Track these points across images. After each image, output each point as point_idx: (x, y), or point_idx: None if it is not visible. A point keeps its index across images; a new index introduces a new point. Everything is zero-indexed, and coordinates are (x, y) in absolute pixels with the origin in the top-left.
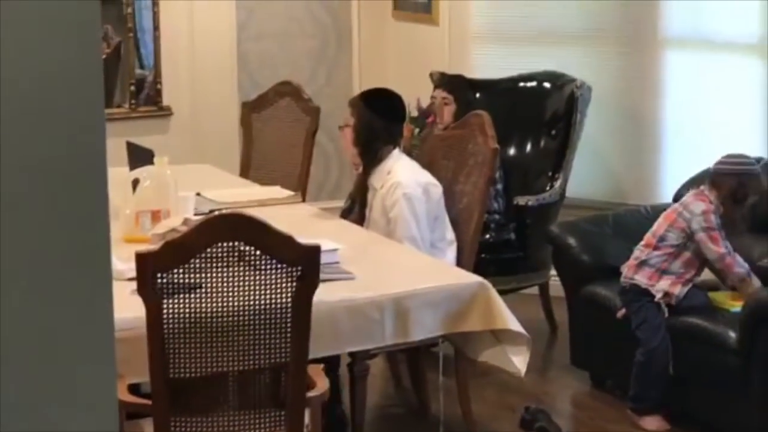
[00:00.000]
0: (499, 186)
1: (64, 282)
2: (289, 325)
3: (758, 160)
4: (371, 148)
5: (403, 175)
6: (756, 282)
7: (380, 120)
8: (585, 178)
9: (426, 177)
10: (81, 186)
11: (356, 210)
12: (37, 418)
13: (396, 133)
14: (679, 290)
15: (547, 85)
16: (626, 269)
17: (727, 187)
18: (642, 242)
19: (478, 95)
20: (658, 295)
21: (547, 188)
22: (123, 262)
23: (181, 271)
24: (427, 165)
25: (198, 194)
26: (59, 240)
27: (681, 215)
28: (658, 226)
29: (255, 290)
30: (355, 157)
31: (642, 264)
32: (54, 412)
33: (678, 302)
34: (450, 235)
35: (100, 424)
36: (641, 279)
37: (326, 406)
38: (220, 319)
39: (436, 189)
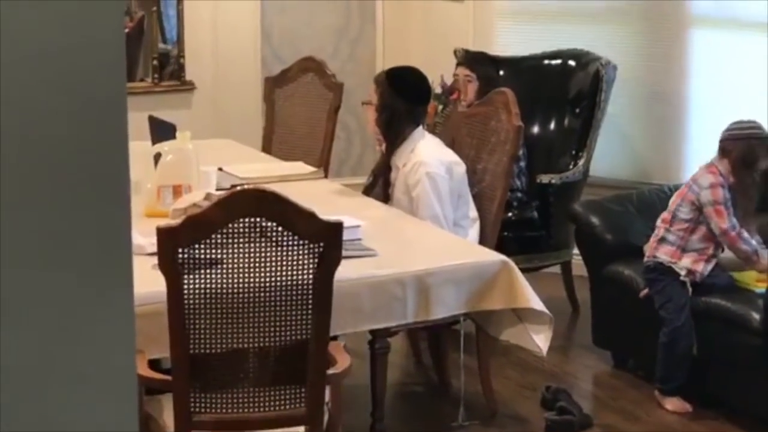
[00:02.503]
0: (522, 164)
1: (85, 257)
2: (310, 301)
3: None
4: (393, 130)
5: (426, 154)
6: (766, 259)
7: (404, 102)
8: (609, 157)
9: (449, 155)
10: (102, 160)
11: (379, 186)
12: (55, 394)
13: (419, 114)
14: (702, 267)
15: (572, 63)
16: (648, 248)
17: (736, 153)
18: (660, 219)
19: (501, 72)
20: (683, 273)
21: (571, 167)
22: (144, 237)
23: (202, 246)
24: (451, 142)
25: (220, 169)
26: (79, 214)
27: (691, 189)
28: (672, 201)
29: (276, 266)
30: (379, 134)
31: (662, 241)
32: (72, 388)
33: (702, 280)
34: (473, 213)
35: (119, 402)
36: (664, 256)
37: None
38: (241, 295)
39: (459, 167)
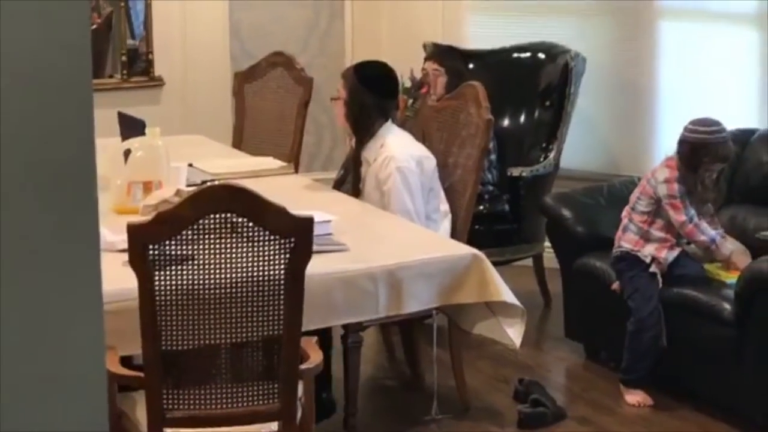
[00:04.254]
0: (493, 157)
1: (52, 255)
2: (282, 297)
3: (753, 131)
4: (362, 124)
5: (396, 149)
6: (726, 249)
7: (372, 96)
8: (579, 149)
9: (419, 149)
10: (67, 158)
11: (349, 181)
12: (22, 394)
13: (388, 108)
14: (666, 254)
15: (541, 55)
16: (616, 238)
17: (682, 154)
18: (624, 210)
19: (471, 66)
20: (647, 260)
21: (541, 159)
22: (114, 234)
23: (173, 242)
24: (421, 137)
25: (190, 165)
26: (45, 212)
27: (649, 182)
28: (634, 193)
29: (248, 262)
30: (349, 128)
31: (625, 230)
32: (41, 388)
33: (671, 269)
34: (444, 206)
35: (90, 398)
36: (627, 245)
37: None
38: (212, 291)
39: (430, 161)
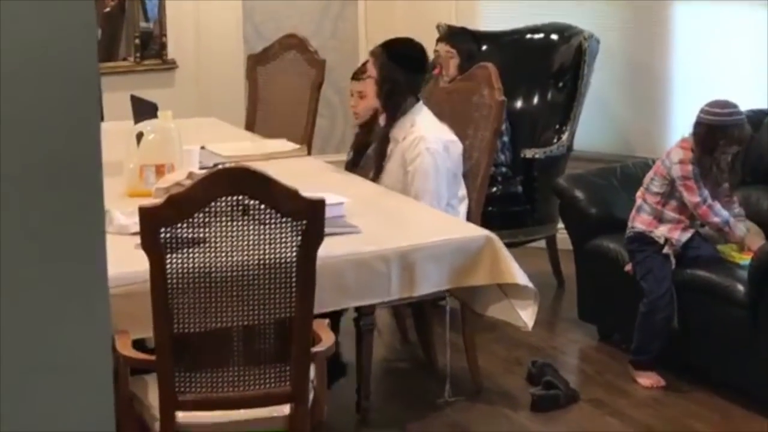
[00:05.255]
0: (506, 138)
1: (57, 240)
2: (294, 279)
3: (766, 112)
4: (393, 101)
5: (426, 130)
6: (739, 230)
7: (403, 72)
8: (592, 130)
9: (448, 134)
10: (72, 145)
11: (363, 165)
12: (28, 383)
13: (418, 83)
14: (679, 234)
15: (554, 37)
16: (629, 219)
17: (698, 136)
18: (638, 191)
19: (484, 47)
20: (661, 241)
21: (555, 141)
22: (127, 217)
23: (185, 225)
24: None
25: (203, 148)
26: (50, 199)
27: (663, 162)
28: (648, 174)
29: (259, 244)
30: (357, 107)
31: (639, 210)
32: (46, 377)
33: (684, 250)
34: (462, 191)
35: (95, 385)
36: (641, 226)
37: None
38: (224, 274)
39: (456, 146)
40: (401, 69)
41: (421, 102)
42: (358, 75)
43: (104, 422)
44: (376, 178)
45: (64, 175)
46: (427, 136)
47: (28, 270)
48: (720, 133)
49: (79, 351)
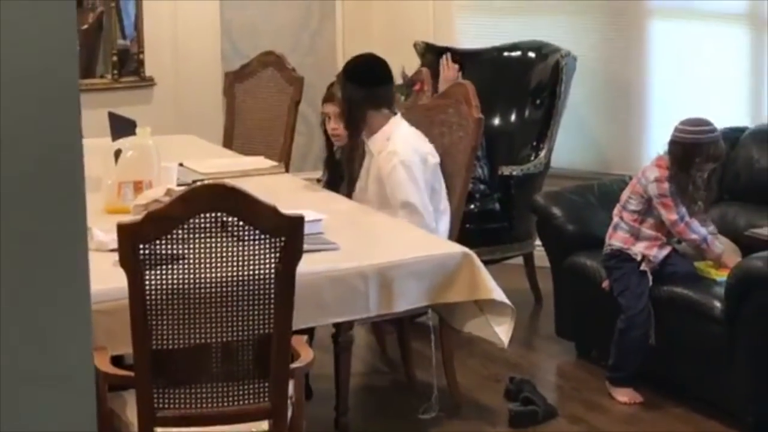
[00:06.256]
0: (480, 153)
1: (39, 254)
2: (272, 295)
3: (742, 129)
4: (352, 118)
5: (400, 144)
6: (717, 247)
7: (358, 87)
8: (570, 148)
9: (425, 146)
10: (55, 159)
11: (343, 186)
12: (10, 394)
13: (382, 95)
14: (656, 252)
15: (531, 54)
16: (607, 237)
17: (674, 155)
18: (615, 209)
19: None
20: (638, 258)
21: (532, 158)
22: (105, 234)
23: (163, 242)
24: None
25: (181, 165)
26: (33, 212)
27: (639, 181)
28: (624, 192)
29: (238, 261)
30: (338, 129)
31: (616, 228)
32: (28, 388)
33: (661, 267)
34: (444, 204)
35: (78, 397)
36: (618, 243)
37: None
38: (203, 290)
39: (433, 159)
40: (360, 86)
41: (398, 115)
42: (328, 98)
43: None
44: (348, 192)
45: (46, 190)
46: (399, 149)
47: (9, 282)
48: (695, 151)
49: (62, 364)
